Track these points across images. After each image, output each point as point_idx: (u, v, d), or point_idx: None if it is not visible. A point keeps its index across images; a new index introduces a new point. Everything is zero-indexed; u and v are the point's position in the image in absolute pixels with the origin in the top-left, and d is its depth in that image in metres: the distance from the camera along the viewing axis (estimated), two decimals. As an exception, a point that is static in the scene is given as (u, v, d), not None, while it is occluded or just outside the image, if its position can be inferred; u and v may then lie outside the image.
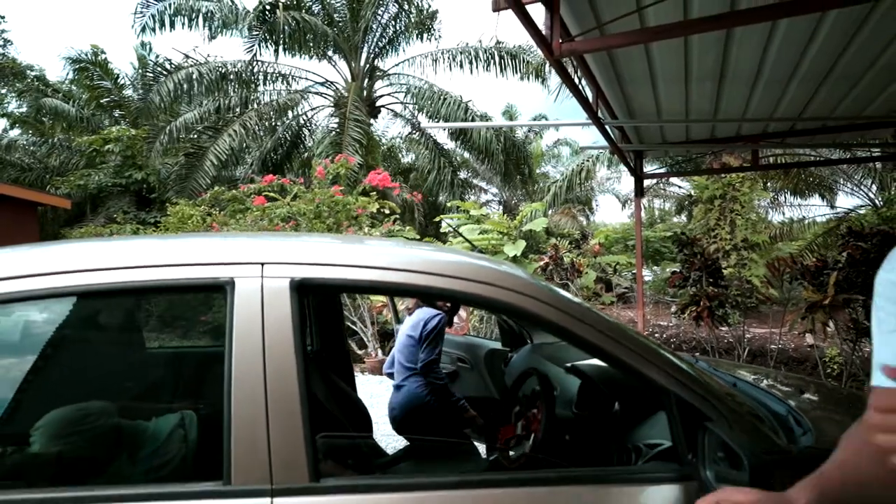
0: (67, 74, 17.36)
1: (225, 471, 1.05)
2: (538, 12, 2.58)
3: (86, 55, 16.47)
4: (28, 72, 17.67)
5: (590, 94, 4.07)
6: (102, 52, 16.78)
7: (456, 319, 3.32)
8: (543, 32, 2.53)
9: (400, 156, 19.37)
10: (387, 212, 8.98)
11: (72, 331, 1.25)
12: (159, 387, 1.46)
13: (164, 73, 13.58)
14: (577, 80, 3.85)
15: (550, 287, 1.36)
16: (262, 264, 1.17)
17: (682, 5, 2.63)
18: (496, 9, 2.64)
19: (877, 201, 11.62)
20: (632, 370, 1.22)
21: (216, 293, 1.18)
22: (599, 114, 4.23)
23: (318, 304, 2.42)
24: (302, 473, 1.07)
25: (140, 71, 18.32)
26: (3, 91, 17.95)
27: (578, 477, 1.22)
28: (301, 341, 1.15)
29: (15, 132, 18.17)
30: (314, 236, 1.93)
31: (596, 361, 1.96)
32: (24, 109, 17.88)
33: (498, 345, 3.12)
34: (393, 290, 1.76)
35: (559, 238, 13.26)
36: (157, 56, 17.86)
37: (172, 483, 1.17)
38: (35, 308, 1.21)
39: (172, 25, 12.47)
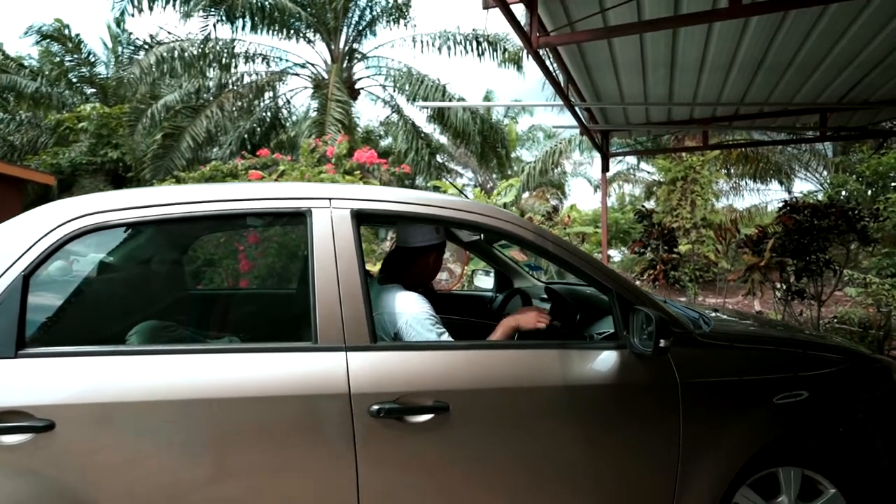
0: (31, 49, 16.78)
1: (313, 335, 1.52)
2: (520, 11, 3.11)
3: (51, 28, 15.99)
4: None
5: (562, 80, 4.65)
6: (67, 26, 16.36)
7: (446, 276, 3.85)
8: (524, 28, 3.07)
9: (378, 140, 19.61)
10: None
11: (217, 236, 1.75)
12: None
13: (147, 46, 13.51)
14: (551, 69, 4.42)
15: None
16: (330, 199, 1.68)
17: (636, 8, 3.21)
18: (486, 7, 3.16)
19: (825, 185, 12.77)
20: (585, 275, 1.79)
21: (299, 218, 1.68)
22: (571, 97, 4.83)
23: None
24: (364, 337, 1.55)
25: (114, 48, 17.95)
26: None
27: (554, 344, 1.80)
28: (360, 250, 1.62)
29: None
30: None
31: (564, 285, 2.56)
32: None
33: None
34: (420, 219, 1.94)
35: (533, 212, 13.93)
36: (131, 34, 17.56)
37: (277, 342, 1.66)
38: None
39: (151, 8, 12.40)
